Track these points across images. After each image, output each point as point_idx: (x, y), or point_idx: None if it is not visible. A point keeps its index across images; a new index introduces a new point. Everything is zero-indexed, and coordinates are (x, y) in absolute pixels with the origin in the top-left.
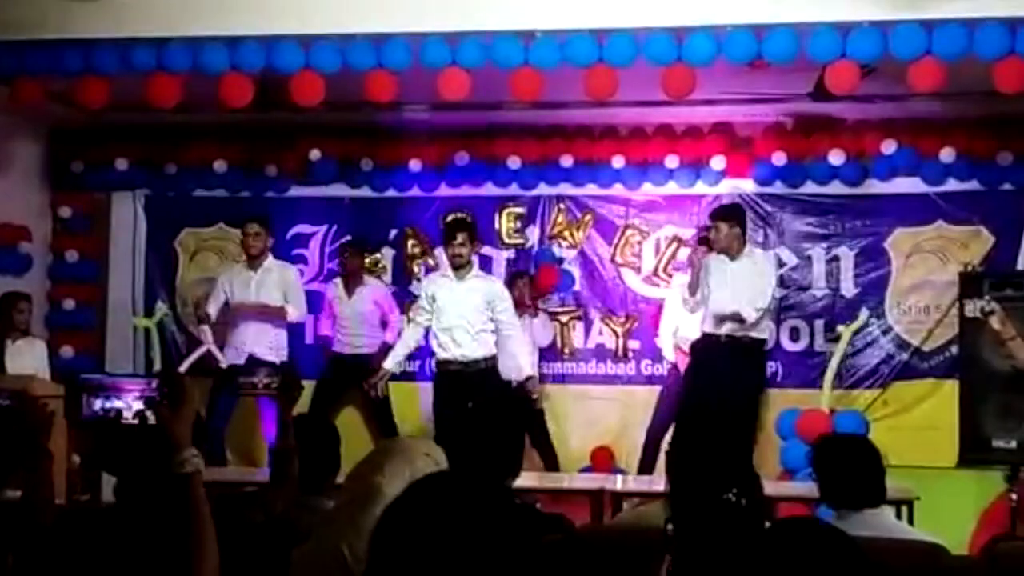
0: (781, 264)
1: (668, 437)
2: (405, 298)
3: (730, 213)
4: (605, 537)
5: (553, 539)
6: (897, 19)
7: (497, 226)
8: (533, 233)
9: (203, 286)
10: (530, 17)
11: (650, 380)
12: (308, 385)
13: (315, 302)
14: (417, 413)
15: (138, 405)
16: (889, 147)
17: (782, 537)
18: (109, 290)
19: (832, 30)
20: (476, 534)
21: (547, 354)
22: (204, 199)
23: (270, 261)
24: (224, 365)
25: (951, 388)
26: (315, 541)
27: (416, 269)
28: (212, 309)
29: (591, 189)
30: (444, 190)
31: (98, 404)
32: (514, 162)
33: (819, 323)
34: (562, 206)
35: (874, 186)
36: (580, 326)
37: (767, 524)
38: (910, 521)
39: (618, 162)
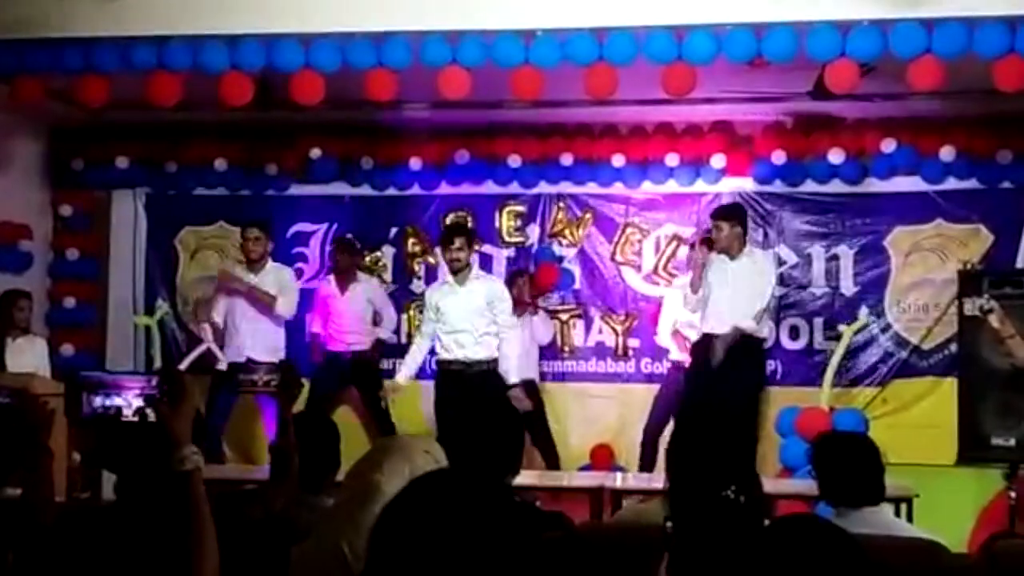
0: (781, 262)
1: (665, 435)
2: (405, 297)
3: (732, 213)
4: (605, 535)
5: (553, 537)
6: (897, 18)
7: (497, 224)
8: (533, 231)
9: (203, 284)
10: (530, 16)
11: (650, 378)
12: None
13: (313, 300)
14: (417, 413)
15: (138, 403)
16: (889, 146)
17: (781, 534)
18: (109, 288)
19: (832, 29)
20: (475, 532)
21: (547, 352)
22: (204, 197)
23: (270, 265)
24: (223, 365)
25: (950, 386)
26: (315, 539)
27: (416, 267)
28: (217, 316)
29: (591, 187)
30: (444, 188)
31: (98, 402)
32: (514, 160)
33: (819, 321)
34: (562, 204)
35: (874, 185)
36: (580, 324)
37: (766, 521)
38: (909, 519)
39: (618, 160)
